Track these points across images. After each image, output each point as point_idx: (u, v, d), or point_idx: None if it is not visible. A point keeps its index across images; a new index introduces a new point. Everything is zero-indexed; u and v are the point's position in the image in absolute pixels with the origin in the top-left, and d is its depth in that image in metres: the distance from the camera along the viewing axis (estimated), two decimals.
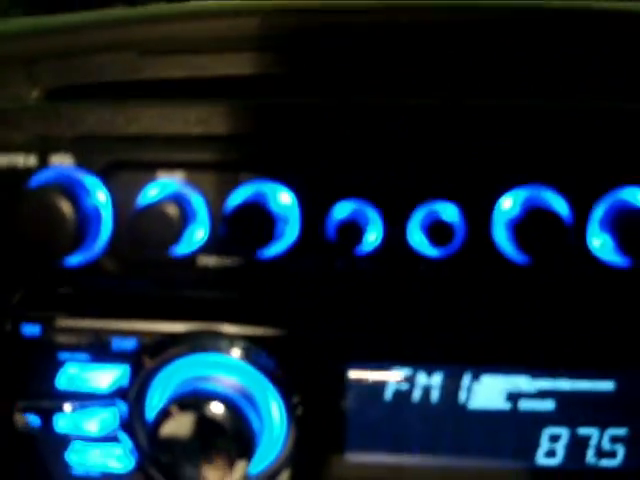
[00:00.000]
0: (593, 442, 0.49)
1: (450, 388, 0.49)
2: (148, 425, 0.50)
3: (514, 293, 0.48)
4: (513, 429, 0.49)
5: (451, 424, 0.50)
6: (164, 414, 0.46)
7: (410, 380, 0.49)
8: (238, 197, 0.46)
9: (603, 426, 0.49)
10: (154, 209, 0.44)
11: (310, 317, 0.49)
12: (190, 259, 0.48)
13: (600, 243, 0.45)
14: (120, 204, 0.48)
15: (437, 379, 0.49)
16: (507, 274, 0.47)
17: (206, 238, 0.48)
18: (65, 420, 0.51)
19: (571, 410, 0.49)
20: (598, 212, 0.45)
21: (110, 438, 0.51)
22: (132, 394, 0.50)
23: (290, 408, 0.49)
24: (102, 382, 0.51)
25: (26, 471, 0.53)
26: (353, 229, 0.45)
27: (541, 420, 0.49)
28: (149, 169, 0.47)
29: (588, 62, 0.48)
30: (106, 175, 0.48)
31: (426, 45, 0.49)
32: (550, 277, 0.47)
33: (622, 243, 0.43)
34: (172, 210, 0.44)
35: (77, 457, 0.52)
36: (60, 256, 0.45)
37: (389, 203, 0.46)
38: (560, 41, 0.48)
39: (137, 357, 0.50)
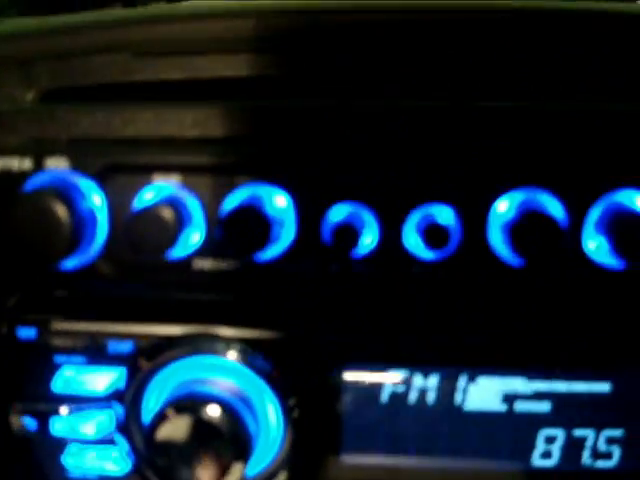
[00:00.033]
0: (589, 443, 0.49)
1: (446, 390, 0.49)
2: (144, 428, 0.50)
3: (510, 295, 0.48)
4: (509, 431, 0.49)
5: (447, 426, 0.50)
6: (160, 417, 0.46)
7: (406, 382, 0.49)
8: (234, 200, 0.46)
9: (599, 427, 0.49)
10: (150, 212, 0.44)
11: (306, 320, 0.49)
12: (186, 262, 0.48)
13: (595, 246, 0.45)
14: (116, 207, 0.48)
15: (433, 381, 0.49)
16: (503, 277, 0.47)
17: (202, 241, 0.48)
18: (61, 423, 0.51)
19: (567, 411, 0.49)
20: (593, 215, 0.45)
21: (106, 441, 0.51)
22: (128, 397, 0.50)
23: (286, 410, 0.49)
24: (98, 385, 0.51)
25: (22, 474, 0.53)
26: (349, 232, 0.45)
27: (537, 422, 0.49)
28: (145, 172, 0.47)
29: (583, 64, 0.48)
30: (102, 178, 0.47)
31: (422, 47, 0.49)
32: (546, 280, 0.47)
33: (617, 245, 0.43)
34: (168, 213, 0.44)
35: (74, 460, 0.52)
36: (56, 260, 0.45)
37: (385, 206, 0.46)
38: (557, 43, 0.48)
39: (133, 360, 0.50)
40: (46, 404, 0.51)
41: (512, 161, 0.46)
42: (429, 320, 0.49)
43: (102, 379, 0.51)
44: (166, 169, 0.47)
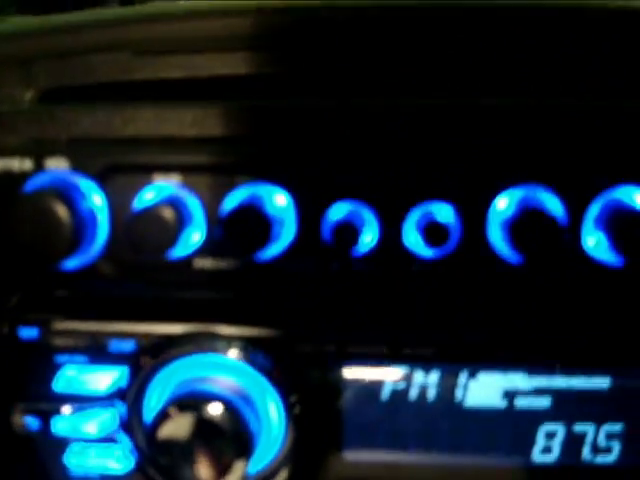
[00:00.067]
0: (589, 439, 0.49)
1: (447, 386, 0.49)
2: (147, 426, 0.50)
3: (509, 292, 0.48)
4: (509, 426, 0.50)
5: (448, 422, 0.50)
6: (162, 415, 0.46)
7: (407, 379, 0.49)
8: (234, 199, 0.46)
9: (599, 423, 0.49)
10: (150, 212, 0.44)
11: (307, 318, 0.50)
12: (187, 262, 0.48)
13: (594, 242, 0.46)
14: (116, 207, 0.48)
15: (434, 377, 0.49)
16: (502, 274, 0.47)
17: (202, 241, 0.48)
18: (64, 422, 0.51)
19: (567, 407, 0.49)
20: (592, 211, 0.45)
21: (109, 440, 0.51)
22: (130, 396, 0.50)
23: (288, 408, 0.50)
24: (100, 384, 0.51)
25: (25, 473, 0.54)
26: (349, 230, 0.46)
27: (537, 417, 0.49)
28: (145, 172, 0.47)
29: (582, 61, 0.48)
30: (102, 179, 0.47)
31: (420, 45, 0.49)
32: (545, 276, 0.47)
33: (616, 242, 0.43)
34: (168, 213, 0.44)
35: (76, 459, 0.52)
36: (57, 260, 0.45)
37: (385, 204, 0.46)
38: (555, 40, 0.48)
39: (135, 359, 0.50)
40: (48, 404, 0.51)
41: (511, 158, 0.46)
42: (429, 317, 0.49)
43: (104, 378, 0.51)
44: (166, 169, 0.47)
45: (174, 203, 0.45)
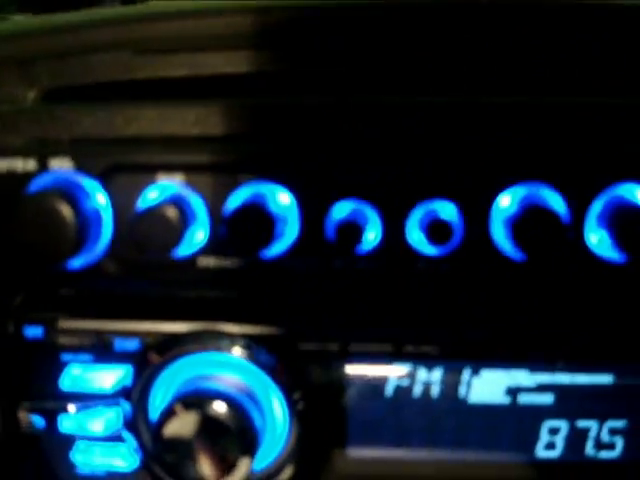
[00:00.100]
0: (592, 434, 0.49)
1: (450, 383, 0.49)
2: (152, 424, 0.50)
3: (512, 289, 0.48)
4: (513, 423, 0.50)
5: (451, 419, 0.50)
6: (167, 413, 0.47)
7: (410, 376, 0.50)
8: (237, 198, 0.46)
9: (602, 418, 0.49)
10: (154, 212, 0.45)
11: (311, 315, 0.50)
12: (191, 260, 0.48)
13: (597, 239, 0.46)
14: (120, 207, 0.48)
15: (437, 374, 0.50)
16: (505, 271, 0.47)
17: (206, 239, 0.48)
18: (69, 420, 0.52)
19: (570, 403, 0.49)
20: (595, 209, 0.45)
21: (115, 437, 0.52)
22: (135, 394, 0.51)
23: (292, 405, 0.50)
24: (105, 382, 0.51)
25: (31, 471, 0.54)
26: (352, 228, 0.46)
27: (540, 413, 0.49)
28: (148, 171, 0.47)
29: (585, 59, 0.48)
30: (105, 178, 0.48)
31: (423, 43, 0.49)
32: (548, 273, 0.47)
33: (619, 239, 0.43)
34: (172, 212, 0.45)
35: (82, 457, 0.53)
36: (61, 259, 0.45)
37: (388, 202, 0.46)
38: (557, 37, 0.48)
39: (140, 357, 0.50)
40: (54, 402, 0.51)
41: (514, 156, 0.46)
42: (433, 315, 0.49)
43: (109, 376, 0.51)
44: (170, 168, 0.47)
45: (178, 202, 0.46)
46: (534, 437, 0.50)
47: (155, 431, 0.47)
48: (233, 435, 0.46)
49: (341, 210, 0.46)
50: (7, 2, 0.86)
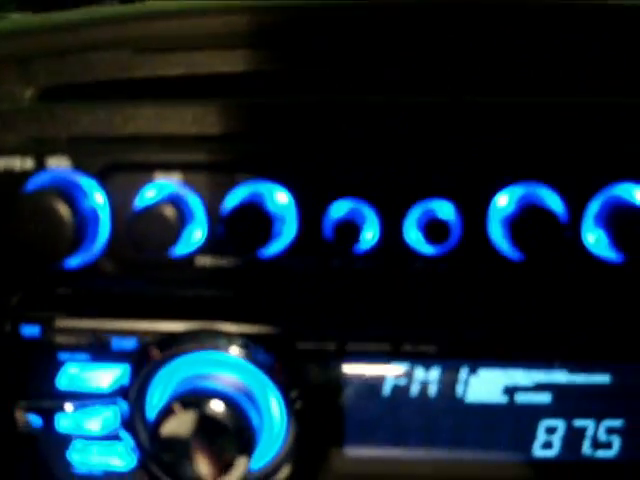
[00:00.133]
0: (589, 433, 0.50)
1: (447, 382, 0.50)
2: (149, 424, 0.50)
3: (510, 289, 0.48)
4: (510, 422, 0.50)
5: (449, 418, 0.50)
6: (165, 413, 0.47)
7: (408, 375, 0.50)
8: (235, 197, 0.46)
9: (599, 418, 0.49)
10: (152, 211, 0.45)
11: (308, 315, 0.50)
12: (188, 259, 0.48)
13: (595, 239, 0.46)
14: (118, 206, 0.48)
15: (434, 374, 0.50)
16: (503, 270, 0.47)
17: (204, 239, 0.48)
18: (66, 420, 0.52)
19: (567, 402, 0.49)
20: (592, 208, 0.45)
21: (112, 437, 0.52)
22: (132, 393, 0.51)
23: (289, 404, 0.50)
24: (103, 381, 0.51)
25: (28, 470, 0.54)
26: (350, 228, 0.46)
27: (538, 413, 0.50)
28: (146, 170, 0.47)
29: (581, 58, 0.48)
30: (103, 177, 0.48)
31: (420, 41, 0.49)
32: (545, 273, 0.47)
33: (616, 239, 0.43)
34: (170, 211, 0.45)
35: (79, 456, 0.52)
36: (59, 258, 0.45)
37: (385, 202, 0.46)
38: (555, 37, 0.48)
39: (137, 356, 0.50)
40: (51, 401, 0.51)
41: (511, 156, 0.46)
42: (430, 314, 0.49)
43: (106, 376, 0.51)
44: (167, 167, 0.47)
45: (175, 201, 0.46)
46: (531, 436, 0.50)
47: (152, 430, 0.47)
48: (230, 434, 0.46)
49: (339, 209, 0.46)
50: (6, 0, 0.86)
